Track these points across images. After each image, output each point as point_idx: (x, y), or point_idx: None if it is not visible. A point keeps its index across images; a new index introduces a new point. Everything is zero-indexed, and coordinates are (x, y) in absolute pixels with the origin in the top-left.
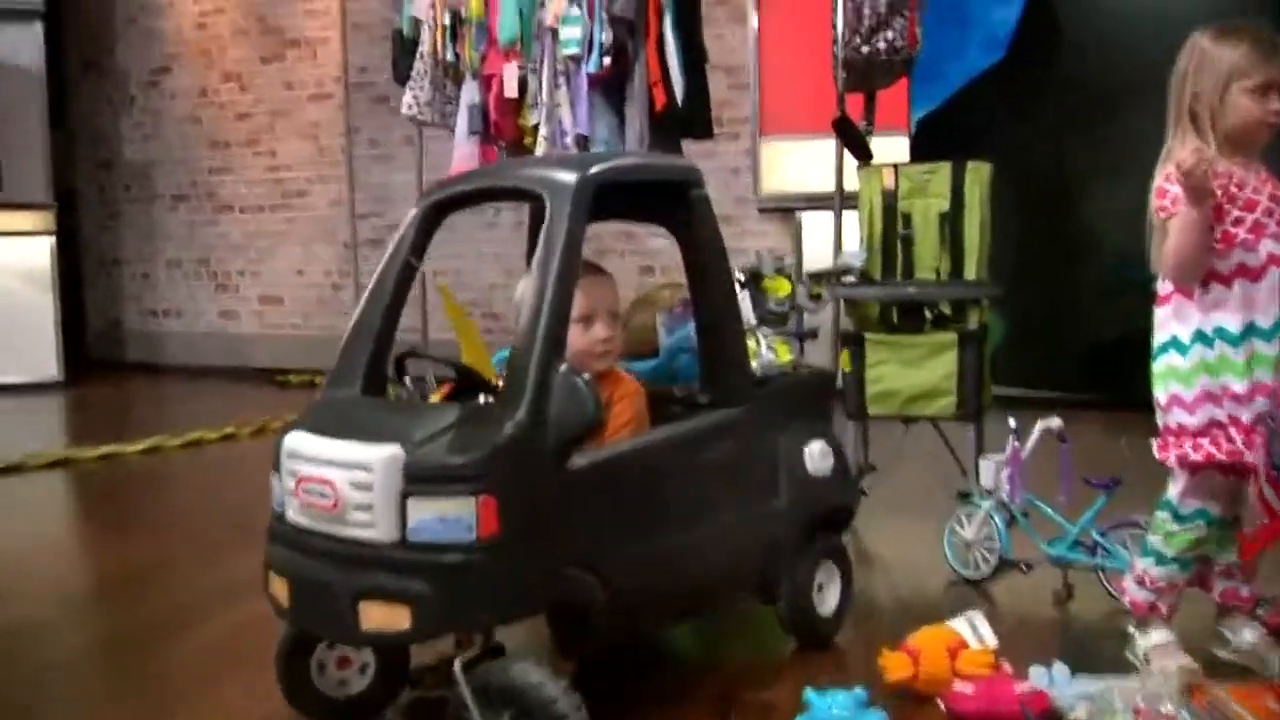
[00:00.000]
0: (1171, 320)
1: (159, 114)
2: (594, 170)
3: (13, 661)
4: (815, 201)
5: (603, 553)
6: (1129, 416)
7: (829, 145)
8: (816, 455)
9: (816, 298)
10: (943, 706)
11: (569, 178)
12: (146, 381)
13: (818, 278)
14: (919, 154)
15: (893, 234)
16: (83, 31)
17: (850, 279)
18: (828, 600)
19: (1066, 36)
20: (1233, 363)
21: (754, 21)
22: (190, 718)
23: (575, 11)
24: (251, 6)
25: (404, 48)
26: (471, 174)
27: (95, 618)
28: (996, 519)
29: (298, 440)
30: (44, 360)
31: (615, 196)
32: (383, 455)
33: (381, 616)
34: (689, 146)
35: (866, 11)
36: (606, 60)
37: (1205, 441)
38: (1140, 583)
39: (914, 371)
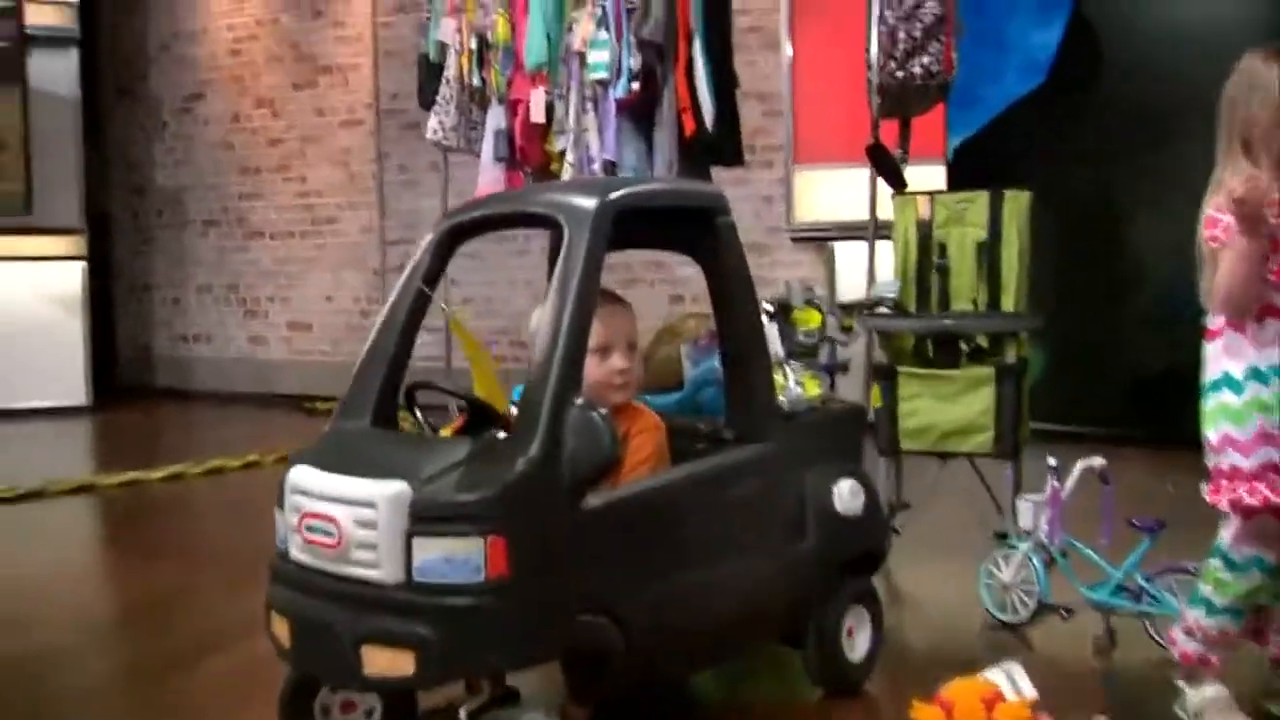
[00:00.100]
0: (1223, 356)
1: (191, 140)
2: (614, 196)
3: (32, 688)
4: (849, 231)
5: (619, 597)
6: (1174, 455)
7: (863, 174)
8: (846, 494)
9: (848, 329)
10: None
11: (588, 203)
12: (175, 407)
13: (849, 309)
14: (956, 182)
15: (928, 264)
16: (117, 58)
17: (884, 310)
18: (857, 646)
19: (1109, 59)
20: None
21: (788, 48)
22: None
23: (603, 36)
24: (284, 33)
25: (430, 72)
26: (489, 199)
27: (114, 646)
28: (1035, 561)
29: (301, 475)
30: (73, 385)
31: (638, 223)
32: (388, 492)
33: (385, 661)
34: (720, 174)
35: (902, 36)
36: (635, 85)
37: (1261, 486)
38: (1190, 633)
39: (949, 406)
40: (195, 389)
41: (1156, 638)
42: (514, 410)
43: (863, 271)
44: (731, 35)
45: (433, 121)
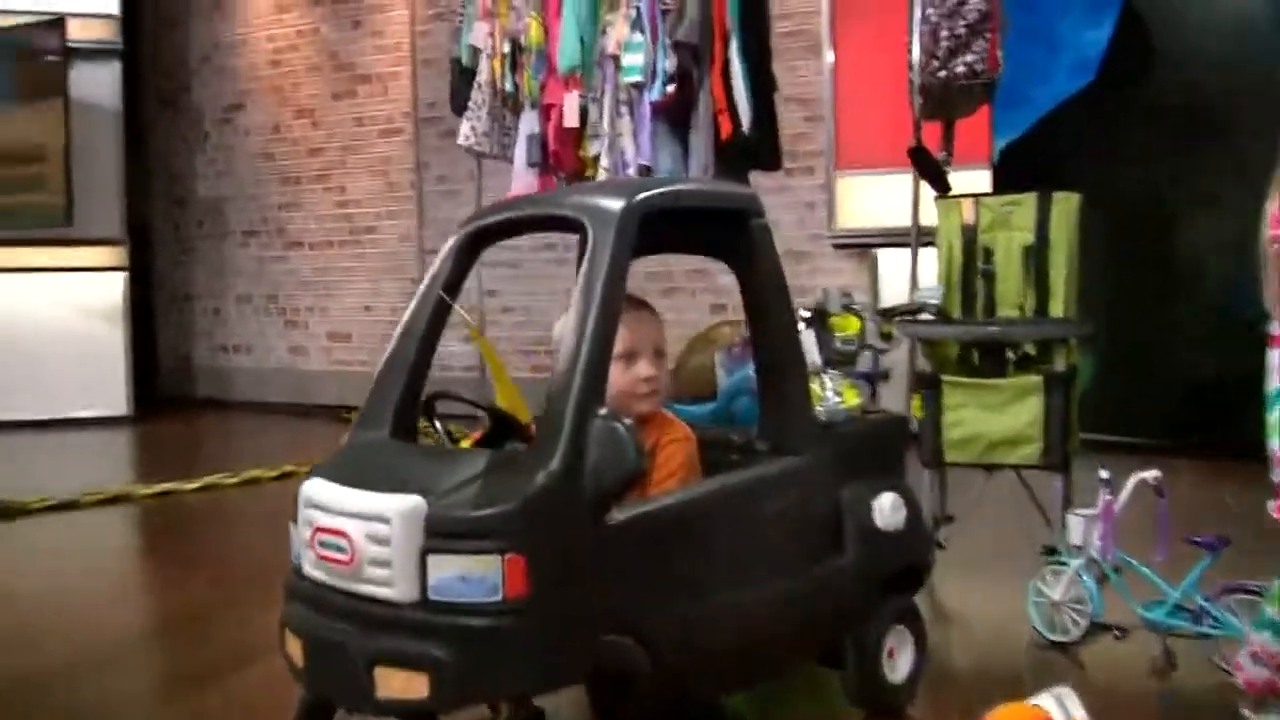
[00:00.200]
0: None
1: (232, 150)
2: (641, 197)
3: (61, 701)
4: (892, 237)
5: (646, 616)
6: (1233, 467)
7: (906, 179)
8: (887, 508)
9: (888, 337)
10: None
11: (613, 204)
12: (215, 418)
13: (889, 315)
14: (1002, 184)
15: (973, 269)
16: (159, 70)
17: (926, 317)
18: (899, 666)
19: (1160, 53)
20: None
21: (829, 52)
22: None
23: (638, 38)
24: (323, 43)
25: (462, 77)
26: (512, 202)
27: (143, 659)
28: (1086, 578)
29: (314, 488)
30: (115, 395)
31: (667, 226)
32: (402, 507)
33: (398, 683)
34: (761, 181)
35: (944, 33)
36: (670, 88)
37: None
38: (1256, 658)
39: (996, 416)
40: (235, 399)
41: (1221, 663)
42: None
43: (906, 278)
44: (769, 36)
45: (465, 127)
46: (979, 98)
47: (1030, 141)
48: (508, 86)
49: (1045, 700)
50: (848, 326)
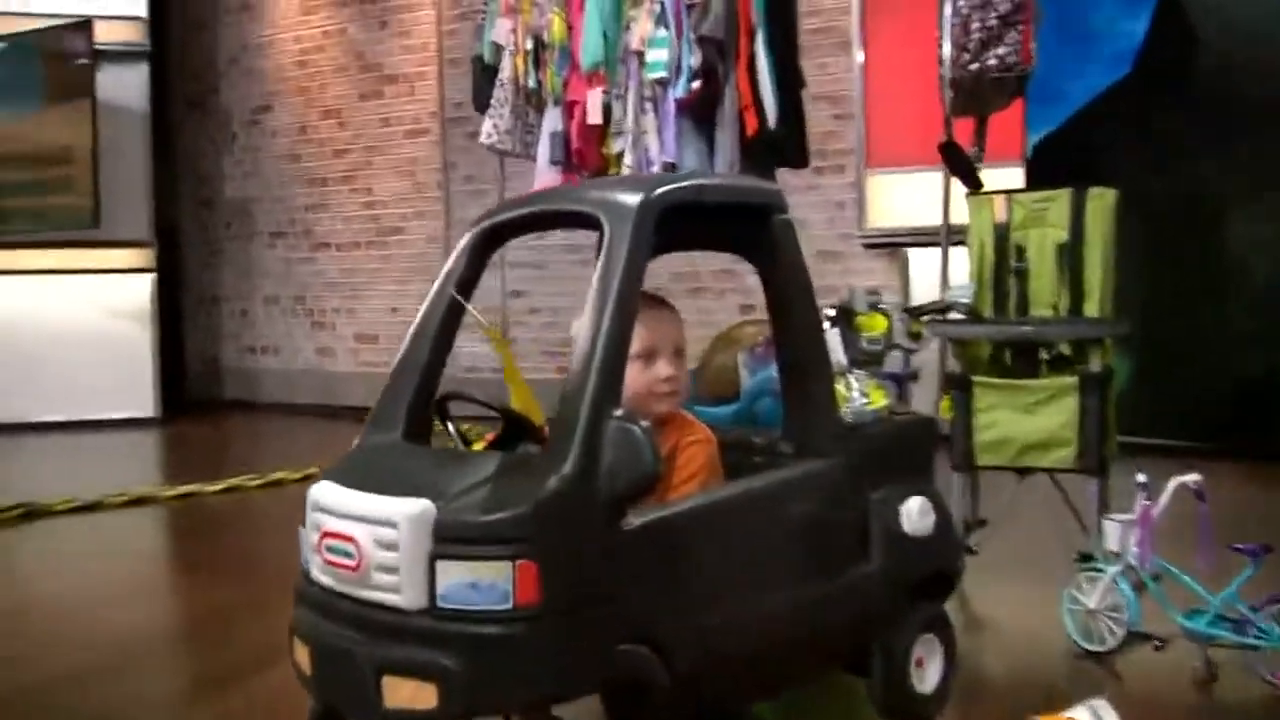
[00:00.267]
0: None
1: (259, 151)
2: (659, 192)
3: (79, 705)
4: (924, 236)
5: (663, 624)
6: (1277, 470)
7: (938, 177)
8: (915, 513)
9: (917, 336)
10: None
11: (631, 200)
12: (243, 419)
13: (917, 314)
14: (1035, 181)
15: (1005, 268)
16: (187, 72)
17: (957, 316)
18: (928, 676)
19: (1202, 45)
20: None
21: (860, 49)
22: None
23: (662, 33)
24: (350, 44)
25: (484, 75)
26: (528, 198)
27: (165, 661)
28: (1123, 585)
29: (322, 491)
30: (142, 397)
31: (687, 222)
32: (410, 511)
33: (406, 693)
34: (790, 180)
35: (976, 25)
36: (695, 84)
37: None
38: None
39: (1029, 418)
40: (263, 401)
41: (1265, 675)
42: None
43: (938, 278)
44: (797, 31)
45: (487, 125)
46: (1012, 91)
47: (1064, 137)
48: (530, 83)
49: (1080, 713)
50: (874, 326)
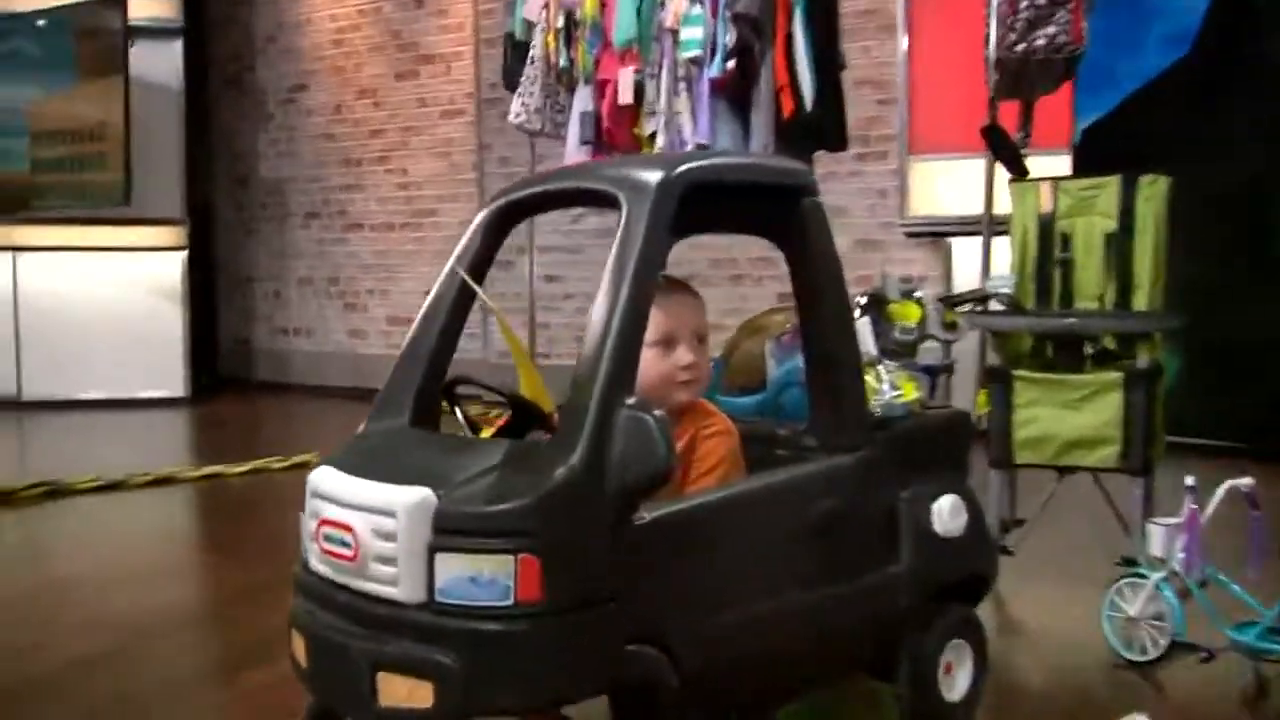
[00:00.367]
0: None
1: (295, 131)
2: (680, 170)
3: (94, 689)
4: (968, 225)
5: (674, 624)
6: None
7: (982, 164)
8: (946, 512)
9: (952, 326)
10: None
11: (650, 178)
12: (273, 400)
13: (952, 303)
14: (1084, 168)
15: (1049, 257)
16: (225, 50)
17: (996, 306)
18: (957, 684)
19: (1266, 24)
20: None
21: (904, 32)
22: None
23: (697, 10)
24: (386, 22)
25: (515, 53)
26: (546, 175)
27: (190, 638)
28: (1167, 593)
29: (321, 477)
30: (172, 377)
31: (711, 203)
32: (409, 500)
33: (402, 692)
34: (831, 167)
35: (1024, 4)
36: (730, 63)
37: None
38: None
39: (1071, 415)
40: (294, 382)
41: None
42: None
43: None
44: (837, 11)
45: (515, 104)
46: (1060, 74)
47: (1116, 122)
48: (562, 61)
49: None
50: (907, 315)
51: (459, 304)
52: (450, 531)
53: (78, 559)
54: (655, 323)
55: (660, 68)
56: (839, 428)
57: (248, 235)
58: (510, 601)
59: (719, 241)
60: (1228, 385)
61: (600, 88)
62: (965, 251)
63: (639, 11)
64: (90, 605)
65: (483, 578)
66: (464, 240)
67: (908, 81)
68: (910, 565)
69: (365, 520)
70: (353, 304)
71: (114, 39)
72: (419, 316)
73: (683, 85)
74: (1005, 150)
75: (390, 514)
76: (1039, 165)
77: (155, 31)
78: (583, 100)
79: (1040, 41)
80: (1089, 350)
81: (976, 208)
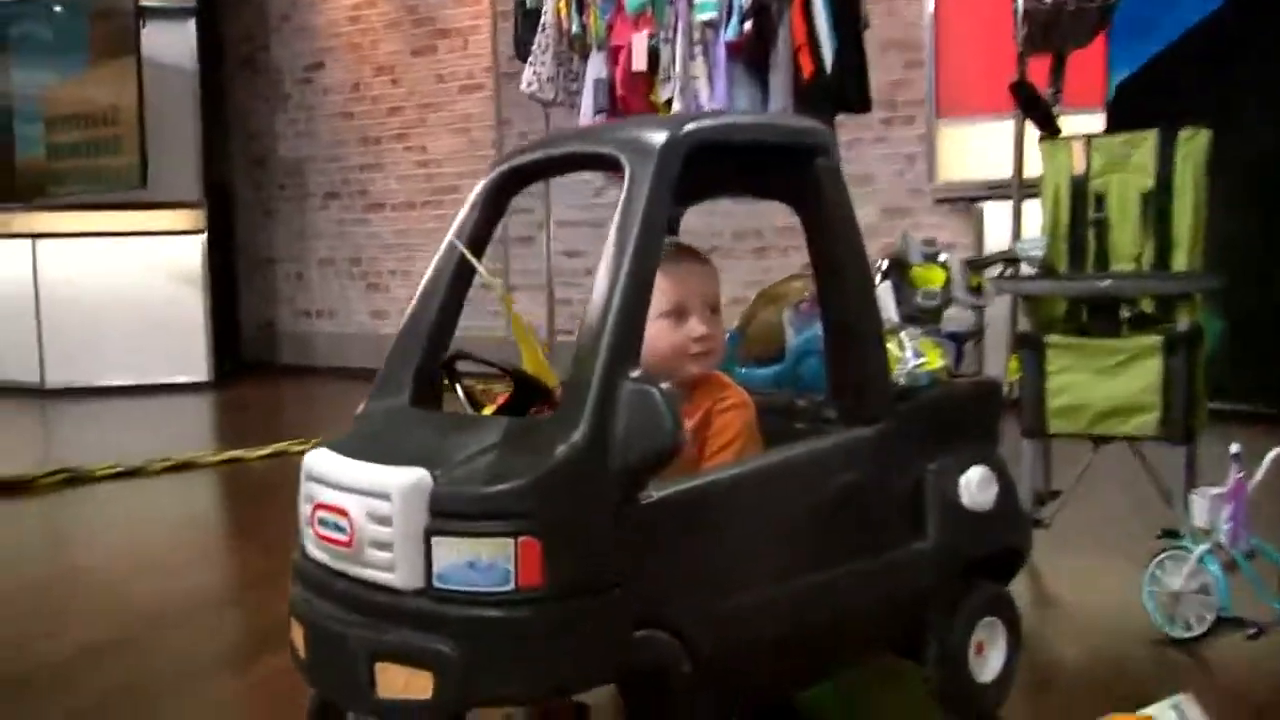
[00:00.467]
0: None
1: (312, 110)
2: (686, 130)
3: (119, 673)
4: (999, 190)
5: (685, 608)
6: None
7: (1014, 126)
8: (975, 485)
9: (977, 289)
10: None
11: (654, 139)
12: (296, 383)
13: (978, 266)
14: (1116, 124)
15: (1082, 218)
16: (239, 29)
17: (1027, 270)
18: (989, 664)
19: None
20: None
21: None
22: None
23: None
24: None
25: (527, 21)
26: (549, 139)
27: (211, 621)
28: (1212, 566)
29: (317, 459)
30: (194, 361)
31: (720, 165)
32: (404, 482)
33: (401, 682)
34: (857, 132)
35: None
36: (747, 26)
37: None
38: None
39: (1108, 382)
40: (318, 365)
41: None
42: None
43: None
44: None
45: (528, 73)
46: (1094, 24)
47: (1150, 76)
48: (574, 28)
49: (1161, 710)
50: (931, 279)
51: (459, 278)
52: (447, 514)
53: (96, 546)
54: (665, 292)
55: (675, 31)
56: (860, 398)
57: (267, 216)
58: (511, 587)
59: (741, 209)
60: (1273, 348)
61: (614, 54)
62: (996, 217)
63: None
64: (107, 592)
65: (481, 562)
66: (463, 211)
67: (934, 43)
68: (937, 541)
69: (360, 503)
70: (375, 284)
71: (126, 21)
72: (418, 292)
73: (698, 49)
74: (1036, 107)
75: (385, 496)
76: (1070, 124)
77: (167, 12)
78: (596, 67)
79: None
80: (1125, 314)
81: (1008, 172)
